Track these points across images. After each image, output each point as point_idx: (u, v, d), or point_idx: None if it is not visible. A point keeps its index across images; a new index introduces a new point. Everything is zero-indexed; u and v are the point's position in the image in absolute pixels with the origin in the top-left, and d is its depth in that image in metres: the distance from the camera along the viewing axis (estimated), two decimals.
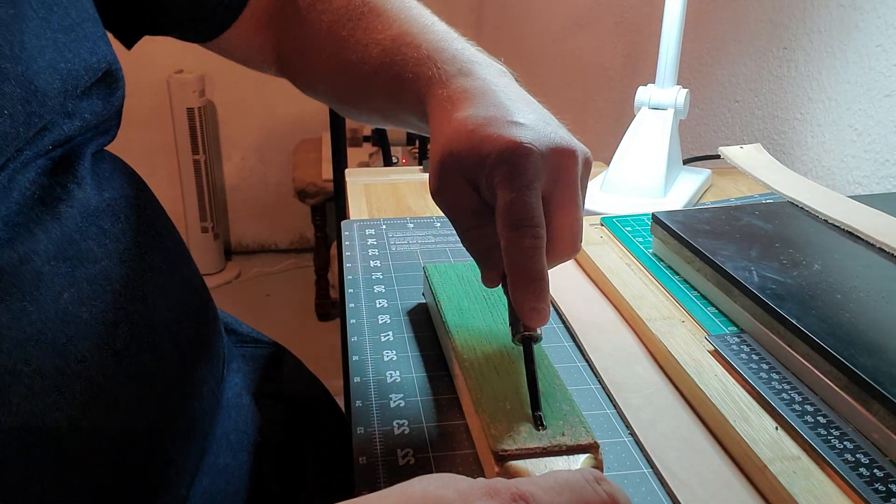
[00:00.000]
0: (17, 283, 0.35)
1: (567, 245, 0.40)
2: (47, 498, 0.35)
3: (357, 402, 0.44)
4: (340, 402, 0.75)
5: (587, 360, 0.48)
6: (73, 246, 0.38)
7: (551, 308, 0.51)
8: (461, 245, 0.41)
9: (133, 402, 0.40)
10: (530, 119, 0.39)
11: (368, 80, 0.49)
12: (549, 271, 0.38)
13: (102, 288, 0.39)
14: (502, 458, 0.36)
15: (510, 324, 0.40)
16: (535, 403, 0.38)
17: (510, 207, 0.37)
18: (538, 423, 0.37)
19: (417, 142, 1.95)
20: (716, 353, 0.46)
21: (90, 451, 0.38)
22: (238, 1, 0.55)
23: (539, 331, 0.39)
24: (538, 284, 0.37)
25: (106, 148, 0.47)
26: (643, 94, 0.78)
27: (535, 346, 0.40)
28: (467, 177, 0.39)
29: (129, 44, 0.54)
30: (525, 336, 0.39)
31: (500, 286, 0.40)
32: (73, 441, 0.37)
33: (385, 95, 0.48)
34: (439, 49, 0.44)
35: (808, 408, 0.40)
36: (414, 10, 0.49)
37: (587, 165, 0.41)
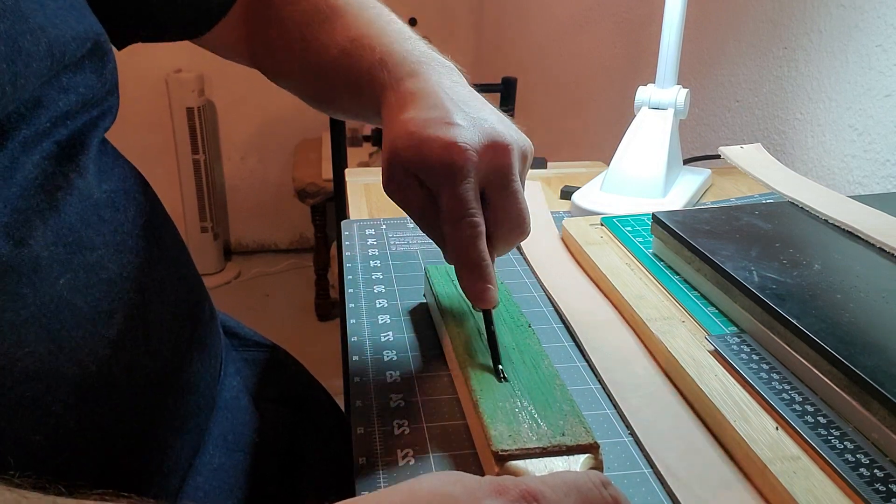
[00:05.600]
0: (15, 266, 0.35)
1: (511, 231, 0.44)
2: (39, 481, 0.36)
3: (357, 402, 0.44)
4: (340, 402, 0.75)
5: (587, 360, 0.48)
6: (72, 233, 0.39)
7: (549, 308, 0.52)
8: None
9: (126, 393, 0.40)
10: (467, 119, 0.43)
11: (331, 81, 0.52)
12: (504, 253, 0.44)
13: (98, 277, 0.40)
14: (502, 458, 0.36)
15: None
16: (496, 358, 0.43)
17: (448, 203, 0.41)
18: (500, 375, 0.42)
19: None
20: (716, 353, 0.46)
21: (83, 438, 0.38)
22: (226, 2, 0.56)
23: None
24: (480, 269, 0.41)
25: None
26: (643, 94, 0.78)
27: (532, 341, 0.44)
28: (412, 173, 0.43)
29: (118, 46, 0.54)
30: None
31: None
32: (66, 427, 0.37)
33: (345, 93, 0.52)
34: (391, 52, 0.48)
35: (808, 408, 0.40)
36: (373, 11, 0.52)
37: (524, 157, 0.45)
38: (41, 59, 0.38)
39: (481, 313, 0.45)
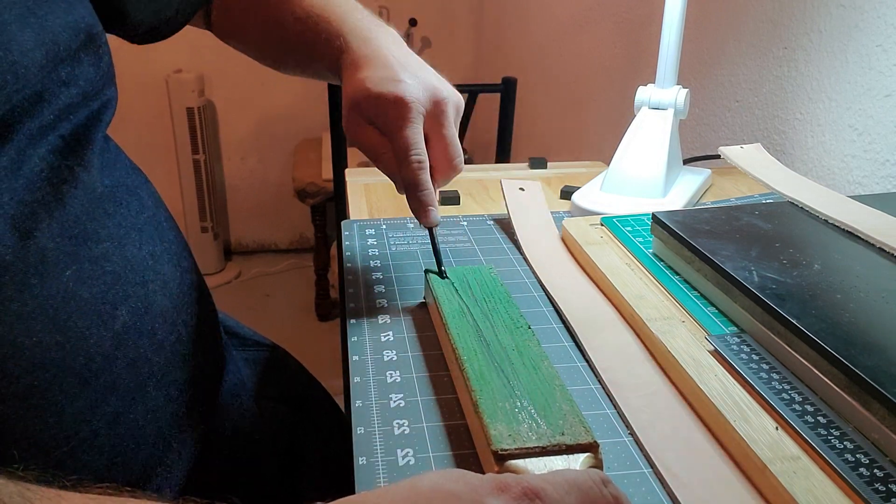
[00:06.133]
0: (22, 258, 0.36)
1: (447, 166, 0.54)
2: (42, 475, 0.36)
3: (357, 402, 0.44)
4: (340, 402, 0.75)
5: (587, 360, 0.48)
6: (77, 226, 0.39)
7: (549, 307, 0.52)
8: (461, 245, 0.56)
9: (130, 385, 0.41)
10: (413, 78, 0.52)
11: (290, 46, 0.63)
12: (444, 185, 0.55)
13: (103, 269, 0.40)
14: (501, 458, 0.36)
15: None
16: (439, 261, 0.54)
17: (401, 142, 0.51)
18: (443, 275, 0.53)
19: None
20: (716, 353, 0.46)
21: (86, 430, 0.38)
22: (194, 5, 0.60)
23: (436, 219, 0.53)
24: (425, 193, 0.51)
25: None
26: (643, 94, 0.78)
27: (531, 342, 0.45)
28: (368, 119, 0.53)
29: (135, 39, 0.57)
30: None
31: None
32: (70, 417, 0.37)
33: (303, 56, 0.62)
34: (345, 21, 0.58)
35: (808, 408, 0.40)
36: None
37: (457, 109, 0.55)
38: (36, 48, 0.38)
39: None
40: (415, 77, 0.53)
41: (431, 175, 0.52)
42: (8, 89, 0.36)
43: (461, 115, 0.56)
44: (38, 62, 0.38)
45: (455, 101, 0.54)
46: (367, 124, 0.53)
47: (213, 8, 0.65)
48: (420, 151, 0.51)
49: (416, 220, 0.54)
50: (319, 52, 0.59)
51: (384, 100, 0.51)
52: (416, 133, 0.51)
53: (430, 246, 0.55)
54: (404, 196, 0.53)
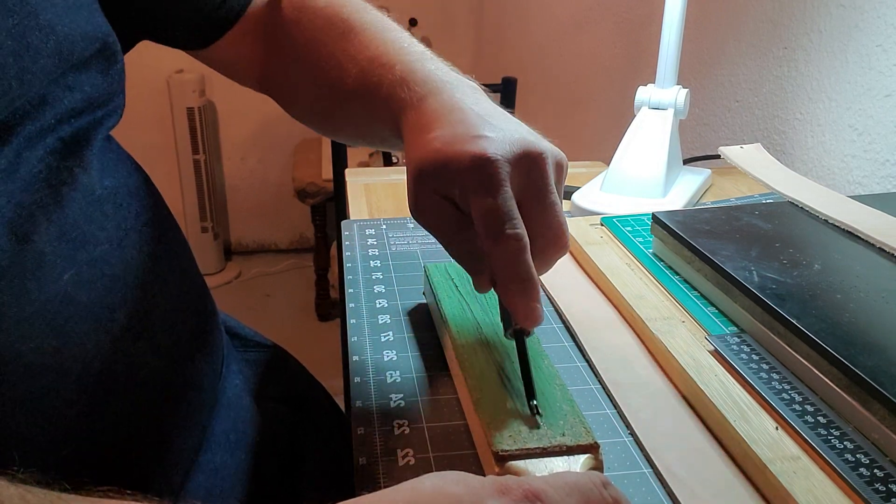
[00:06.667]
0: (20, 261, 0.36)
1: (551, 244, 0.41)
2: (43, 478, 0.36)
3: (357, 402, 0.44)
4: (340, 402, 0.75)
5: (587, 360, 0.48)
6: (75, 228, 0.39)
7: (549, 308, 0.52)
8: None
9: (130, 389, 0.41)
10: (496, 131, 0.40)
11: (346, 99, 0.50)
12: (545, 271, 0.41)
13: (101, 272, 0.40)
14: (502, 459, 0.36)
15: (501, 319, 0.42)
16: (530, 392, 0.39)
17: (486, 213, 0.38)
18: (534, 411, 0.38)
19: None
20: (716, 353, 0.46)
21: (86, 434, 0.38)
22: (234, 12, 0.56)
23: None
24: (527, 285, 0.38)
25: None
26: (643, 94, 0.78)
27: (533, 342, 0.42)
28: (441, 193, 0.41)
29: (124, 47, 0.54)
30: (517, 330, 0.40)
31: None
32: (69, 422, 0.37)
33: (361, 114, 0.50)
34: (413, 70, 0.46)
35: (808, 408, 0.40)
36: (393, 33, 0.50)
37: (559, 167, 0.42)
38: (49, 57, 0.38)
39: (511, 339, 0.42)
40: (500, 130, 0.41)
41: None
42: (12, 94, 0.36)
43: (566, 177, 0.43)
44: (47, 69, 0.38)
45: (556, 157, 0.42)
46: (440, 198, 0.41)
47: (268, 66, 0.57)
48: (517, 224, 0.38)
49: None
50: (380, 108, 0.47)
51: (460, 161, 0.39)
52: (507, 200, 0.38)
53: (518, 359, 0.41)
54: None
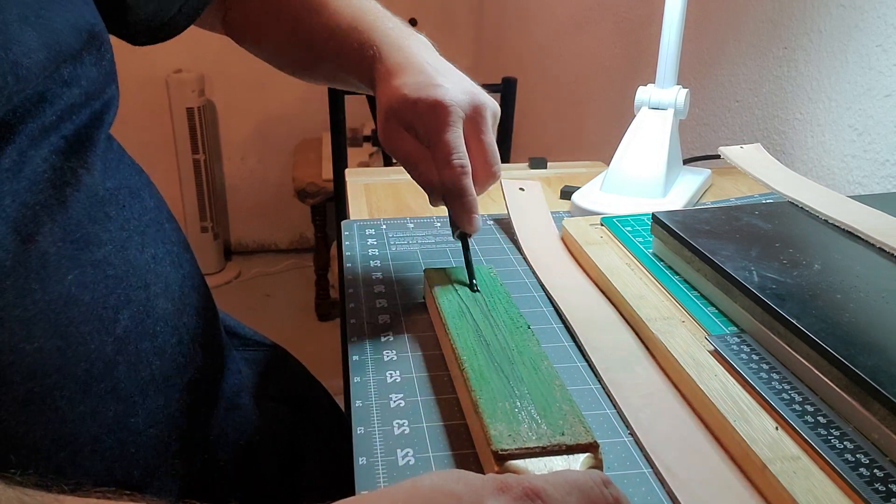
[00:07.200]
0: (24, 261, 0.36)
1: (486, 172, 0.52)
2: (41, 480, 0.36)
3: (357, 402, 0.44)
4: (340, 402, 0.75)
5: (587, 360, 0.48)
6: (79, 229, 0.39)
7: (549, 308, 0.52)
8: (461, 246, 0.54)
9: (131, 389, 0.41)
10: (450, 82, 0.52)
11: (316, 55, 0.61)
12: (482, 192, 0.53)
13: (104, 273, 0.40)
14: (502, 458, 0.36)
15: (451, 226, 0.54)
16: (471, 274, 0.52)
17: (442, 147, 0.49)
18: (474, 288, 0.51)
19: None
20: (716, 353, 0.46)
21: (87, 434, 0.38)
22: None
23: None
24: (466, 200, 0.50)
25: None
26: (643, 94, 0.78)
27: (532, 342, 0.44)
28: (405, 126, 0.51)
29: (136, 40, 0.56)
30: (462, 233, 0.53)
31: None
32: (71, 422, 0.37)
33: (333, 66, 0.61)
34: (375, 29, 0.56)
35: (808, 408, 0.40)
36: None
37: (494, 115, 0.54)
38: (38, 49, 0.38)
39: (457, 241, 0.54)
40: (452, 82, 0.52)
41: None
42: (9, 90, 0.36)
43: (498, 122, 0.55)
44: (40, 62, 0.38)
45: (493, 107, 0.53)
46: (403, 130, 0.52)
47: (229, 7, 0.64)
48: (463, 155, 0.49)
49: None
50: (350, 62, 0.57)
51: (423, 104, 0.50)
52: (457, 137, 0.50)
53: (463, 257, 0.53)
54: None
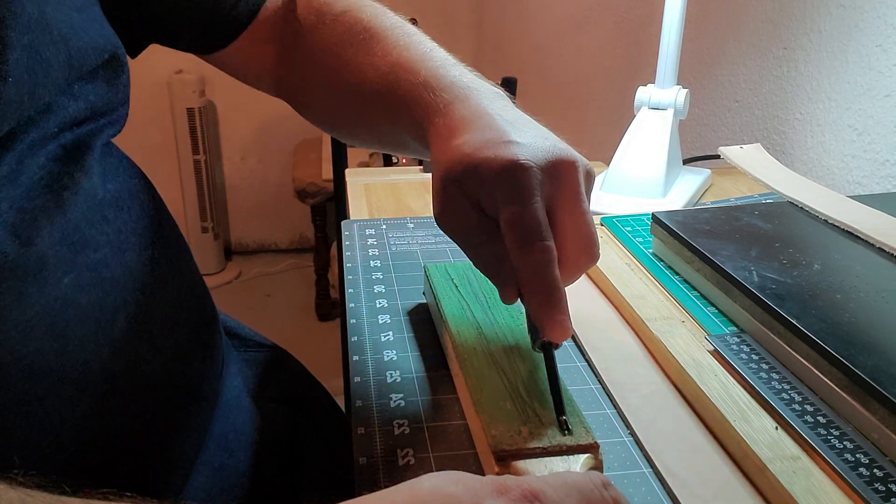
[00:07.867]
0: (22, 265, 0.36)
1: (580, 254, 0.40)
2: (43, 481, 0.36)
3: (357, 402, 0.44)
4: (340, 402, 0.75)
5: (587, 360, 0.48)
6: (77, 232, 0.39)
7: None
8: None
9: (129, 392, 0.41)
10: (526, 137, 0.40)
11: (367, 104, 0.49)
12: (573, 282, 0.40)
13: (101, 276, 0.40)
14: (502, 458, 0.36)
15: (529, 331, 0.41)
16: (560, 408, 0.38)
17: (515, 222, 0.37)
18: (563, 427, 0.37)
19: None
20: (716, 353, 0.46)
21: (86, 437, 0.38)
22: (246, 14, 0.55)
23: None
24: (554, 296, 0.37)
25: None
26: (643, 94, 0.78)
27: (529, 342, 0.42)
28: (469, 197, 0.40)
29: (133, 52, 0.54)
30: (545, 343, 0.39)
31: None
32: (69, 424, 0.37)
33: (382, 119, 0.49)
34: (437, 76, 0.45)
35: (808, 408, 0.40)
36: (414, 38, 0.50)
37: (589, 176, 0.41)
38: (60, 69, 0.38)
39: (537, 351, 0.40)
40: (530, 137, 0.40)
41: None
42: (23, 107, 0.36)
43: (593, 186, 0.42)
44: (58, 81, 0.38)
45: (586, 166, 0.41)
46: (468, 205, 0.40)
47: (282, 69, 0.57)
48: (547, 235, 0.37)
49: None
50: (402, 113, 0.46)
51: (490, 167, 0.38)
52: (537, 210, 0.37)
53: (547, 373, 0.39)
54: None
